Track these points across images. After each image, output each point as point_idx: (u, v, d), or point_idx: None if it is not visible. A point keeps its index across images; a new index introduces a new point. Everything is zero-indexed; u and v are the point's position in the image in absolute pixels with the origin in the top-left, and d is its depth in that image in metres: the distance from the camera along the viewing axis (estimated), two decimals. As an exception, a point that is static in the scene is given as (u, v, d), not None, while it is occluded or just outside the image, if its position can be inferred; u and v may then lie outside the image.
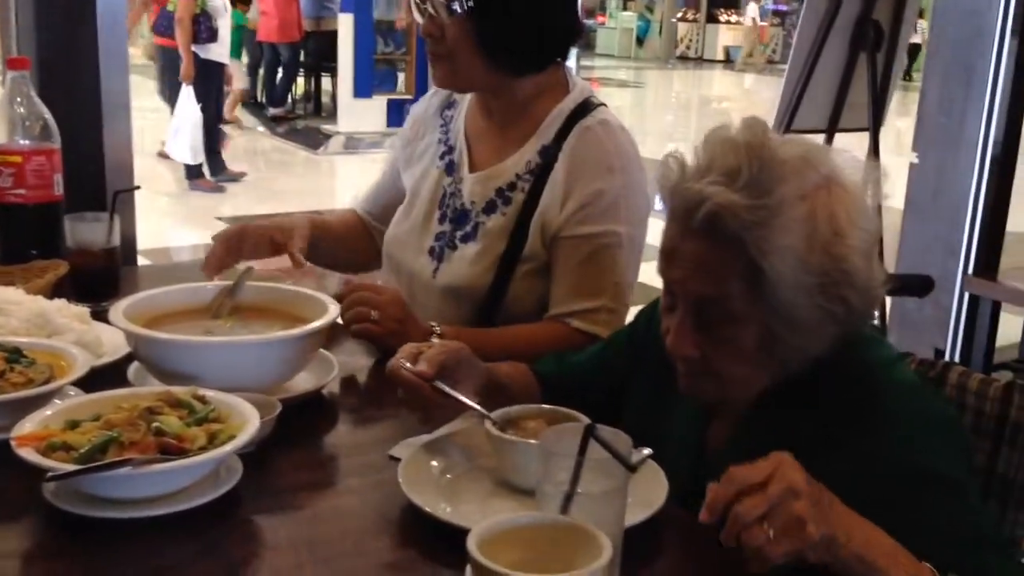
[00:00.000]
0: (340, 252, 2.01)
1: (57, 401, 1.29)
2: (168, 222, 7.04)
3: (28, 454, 1.07)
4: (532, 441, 1.13)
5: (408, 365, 1.25)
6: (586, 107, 1.75)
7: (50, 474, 1.05)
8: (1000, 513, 1.36)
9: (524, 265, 1.73)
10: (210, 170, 7.99)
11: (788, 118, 4.90)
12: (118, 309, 1.40)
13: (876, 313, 1.20)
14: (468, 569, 0.89)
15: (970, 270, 4.00)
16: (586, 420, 1.18)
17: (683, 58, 26.31)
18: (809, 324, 1.13)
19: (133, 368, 1.44)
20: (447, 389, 1.23)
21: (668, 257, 1.19)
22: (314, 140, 10.54)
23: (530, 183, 1.74)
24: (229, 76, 8.95)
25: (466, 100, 1.88)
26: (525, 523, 0.92)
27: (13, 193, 1.82)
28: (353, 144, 10.27)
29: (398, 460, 1.23)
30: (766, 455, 1.03)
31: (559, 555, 0.89)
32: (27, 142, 1.84)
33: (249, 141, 10.78)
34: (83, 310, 1.53)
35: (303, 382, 1.46)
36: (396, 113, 10.63)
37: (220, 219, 6.93)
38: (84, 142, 2.27)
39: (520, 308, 1.74)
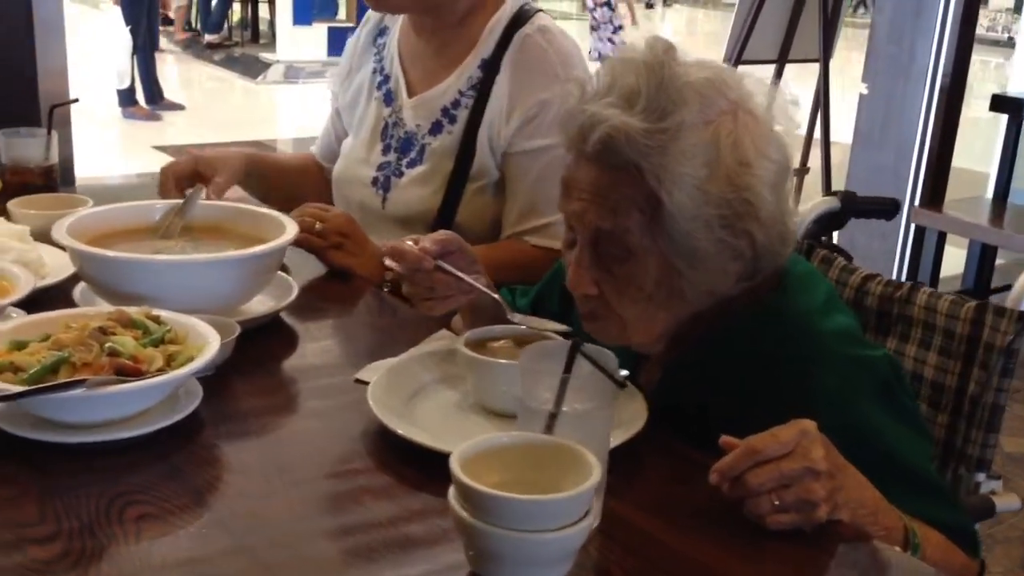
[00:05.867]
0: (291, 192, 1.91)
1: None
2: (99, 150, 6.80)
3: (-32, 375, 1.00)
4: (509, 361, 1.09)
5: (410, 244, 1.20)
6: (523, 15, 1.69)
7: (3, 394, 0.98)
8: (967, 432, 1.36)
9: (474, 183, 1.68)
10: (146, 97, 7.71)
11: (739, 50, 4.87)
12: (61, 226, 1.32)
13: (787, 250, 1.12)
14: (451, 491, 0.85)
15: (916, 201, 4.04)
16: (560, 338, 1.14)
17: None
18: (711, 259, 1.05)
19: (79, 289, 1.36)
20: (450, 268, 1.19)
21: (566, 188, 1.11)
22: (252, 68, 10.23)
23: (473, 99, 1.68)
24: (163, -2, 8.62)
25: (397, 25, 1.81)
26: (509, 443, 0.89)
27: (-60, 106, 1.71)
28: (293, 73, 10.00)
29: (363, 383, 1.19)
30: (693, 401, 0.99)
31: (545, 476, 0.86)
32: (-45, 52, 1.72)
33: (185, 69, 10.44)
34: (23, 228, 1.45)
35: (260, 304, 1.40)
36: (337, 41, 10.34)
37: (157, 147, 6.72)
38: (15, 58, 2.15)
39: (472, 229, 1.67)
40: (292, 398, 1.22)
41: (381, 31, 1.83)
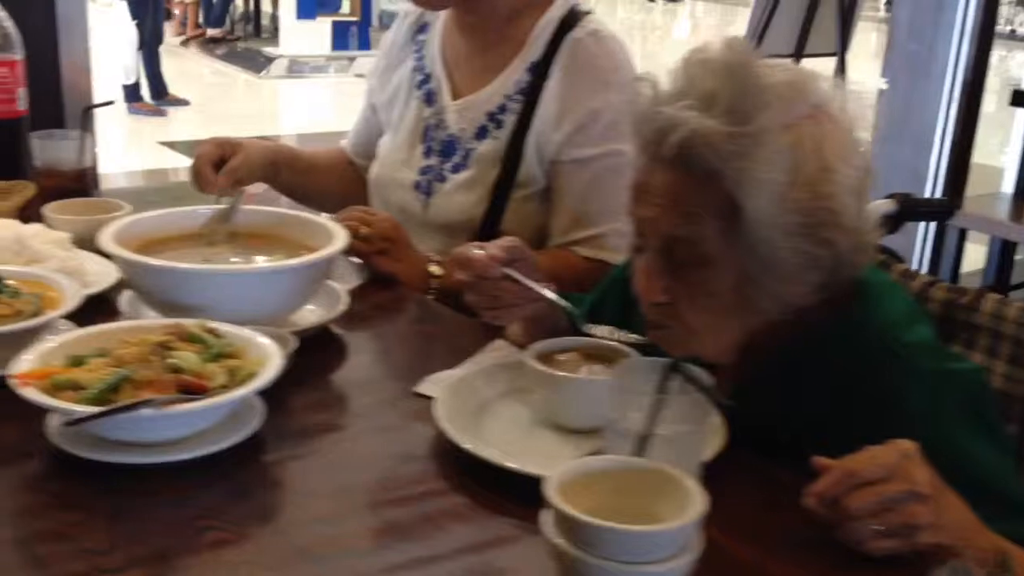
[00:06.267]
0: (320, 187, 1.87)
1: (49, 336, 1.18)
2: (105, 147, 6.74)
3: (33, 394, 0.96)
4: (584, 377, 1.06)
5: (476, 251, 1.17)
6: (574, 17, 1.64)
7: (69, 418, 0.94)
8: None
9: (520, 191, 1.63)
10: (151, 93, 7.66)
11: (756, 43, 4.83)
12: (107, 234, 1.28)
13: (866, 260, 1.08)
14: (546, 517, 0.81)
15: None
16: (634, 351, 1.11)
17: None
18: (789, 268, 1.01)
19: (126, 298, 1.32)
20: (518, 276, 1.16)
21: (637, 193, 1.06)
22: (255, 63, 10.16)
23: (521, 103, 1.63)
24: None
25: (439, 22, 1.75)
26: (606, 467, 0.85)
27: (-28, 108, 1.67)
28: (297, 68, 9.93)
29: (422, 397, 1.16)
30: (765, 415, 0.94)
31: (638, 503, 0.82)
32: (-14, 52, 1.68)
33: (187, 64, 10.38)
34: (63, 235, 1.40)
35: (308, 314, 1.36)
36: (341, 36, 10.30)
37: (163, 143, 6.67)
38: (38, 57, 2.10)
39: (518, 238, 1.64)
40: (350, 413, 1.19)
41: (421, 27, 1.78)
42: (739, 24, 15.60)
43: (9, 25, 1.69)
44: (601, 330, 1.14)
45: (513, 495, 0.96)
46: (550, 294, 1.18)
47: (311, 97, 9.40)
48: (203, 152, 1.63)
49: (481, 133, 1.66)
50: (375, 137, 1.85)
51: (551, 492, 0.80)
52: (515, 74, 1.64)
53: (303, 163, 1.85)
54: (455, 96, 1.70)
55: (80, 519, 0.91)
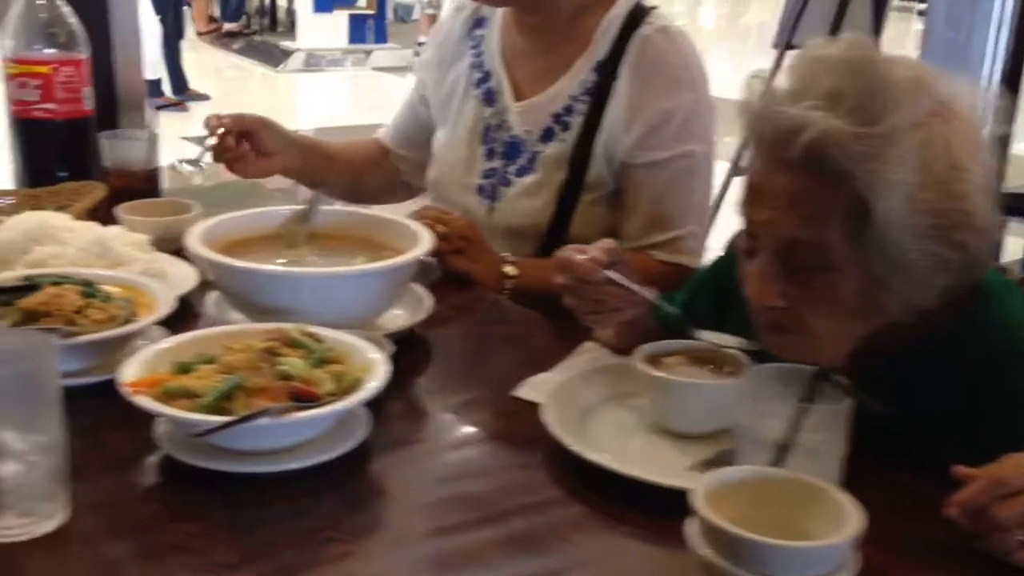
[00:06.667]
0: (349, 178, 1.84)
1: (142, 341, 1.16)
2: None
3: (148, 403, 0.94)
4: (709, 382, 1.04)
5: (578, 255, 1.15)
6: (640, 13, 1.60)
7: (195, 430, 0.92)
8: None
9: (588, 194, 1.60)
10: (172, 87, 7.64)
11: (788, 36, 4.79)
12: (194, 237, 1.26)
13: (991, 260, 1.05)
14: (692, 529, 0.79)
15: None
16: (744, 355, 1.08)
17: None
18: (919, 272, 0.98)
19: (212, 300, 1.31)
20: (622, 279, 1.13)
21: (752, 195, 1.03)
22: (272, 57, 10.15)
23: (588, 104, 1.59)
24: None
25: (497, 17, 1.71)
26: (746, 478, 0.82)
27: (40, 108, 1.64)
28: (314, 61, 9.92)
29: (521, 400, 1.14)
30: (882, 418, 0.93)
31: (783, 515, 0.80)
32: (54, 51, 1.65)
33: (203, 58, 10.36)
34: (142, 238, 1.38)
35: (393, 316, 1.34)
36: (358, 29, 10.28)
37: (185, 138, 6.65)
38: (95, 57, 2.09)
39: (586, 243, 1.60)
40: (451, 419, 1.17)
41: (477, 21, 1.74)
42: (753, 14, 15.51)
43: (74, 22, 1.67)
44: (709, 335, 1.12)
45: (631, 503, 0.94)
46: (654, 297, 1.15)
47: (328, 91, 9.37)
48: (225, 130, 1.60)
49: (547, 135, 1.63)
50: (422, 130, 1.82)
51: (700, 503, 0.78)
52: (580, 74, 1.60)
53: (328, 150, 1.83)
54: (517, 96, 1.66)
55: (200, 530, 0.89)
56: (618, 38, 1.58)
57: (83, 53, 1.68)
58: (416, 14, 12.12)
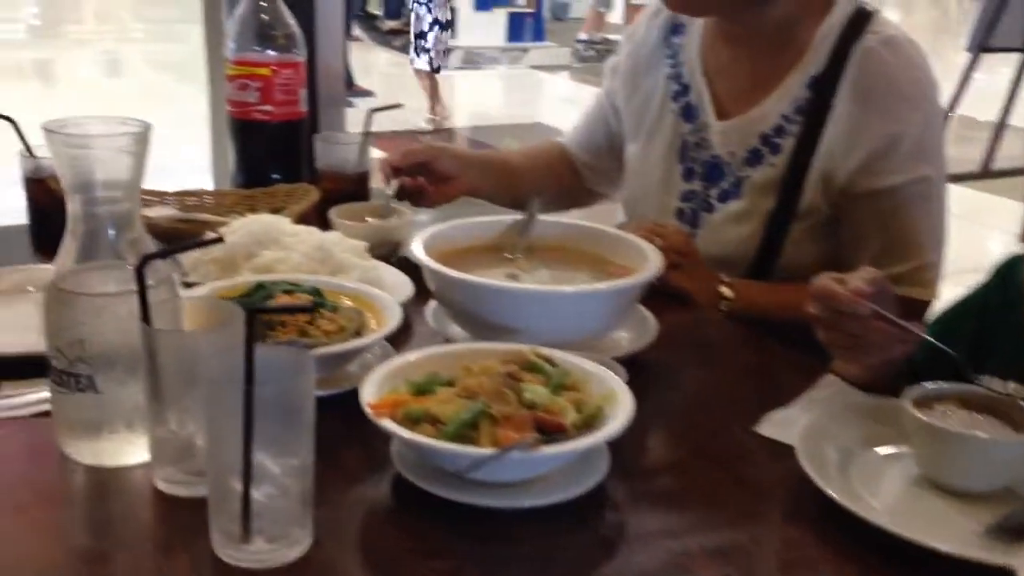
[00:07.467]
0: (533, 188, 1.76)
1: (370, 355, 1.13)
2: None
3: (395, 428, 0.90)
4: (999, 438, 0.93)
5: (836, 286, 1.05)
6: (860, 20, 1.45)
7: (462, 464, 0.87)
8: None
9: (801, 223, 1.48)
10: (338, 83, 7.81)
11: (984, 36, 4.51)
12: (419, 246, 1.22)
13: None
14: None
15: None
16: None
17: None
18: None
19: (431, 311, 1.27)
20: (890, 315, 1.04)
21: None
22: (432, 54, 10.28)
23: (801, 124, 1.46)
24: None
25: (697, 24, 1.60)
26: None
27: (259, 109, 1.64)
28: (473, 59, 10.01)
29: (766, 438, 1.05)
30: None
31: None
32: (274, 53, 1.66)
33: (364, 55, 10.58)
34: (360, 244, 1.36)
35: (620, 340, 1.27)
36: (517, 27, 10.32)
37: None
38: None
39: (797, 275, 1.43)
40: (691, 454, 1.08)
41: (674, 28, 1.64)
42: (921, 12, 14.77)
43: (293, 24, 1.67)
44: (990, 380, 1.00)
45: (911, 567, 0.85)
46: (924, 335, 1.05)
47: (486, 88, 9.43)
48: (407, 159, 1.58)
49: (754, 158, 1.51)
50: (611, 139, 1.76)
51: None
52: (793, 90, 1.48)
53: (508, 162, 1.80)
54: (720, 114, 1.55)
55: (451, 568, 0.84)
56: (836, 50, 1.45)
57: (300, 56, 1.68)
58: (573, 12, 12.08)
